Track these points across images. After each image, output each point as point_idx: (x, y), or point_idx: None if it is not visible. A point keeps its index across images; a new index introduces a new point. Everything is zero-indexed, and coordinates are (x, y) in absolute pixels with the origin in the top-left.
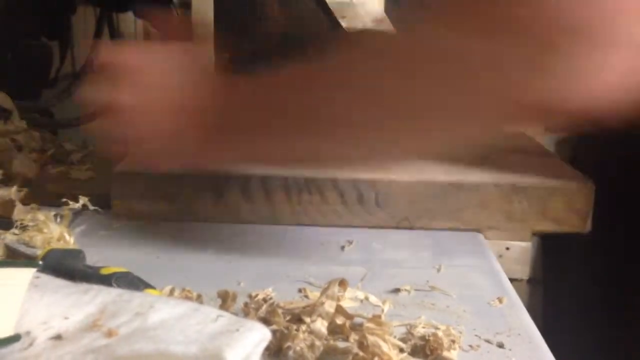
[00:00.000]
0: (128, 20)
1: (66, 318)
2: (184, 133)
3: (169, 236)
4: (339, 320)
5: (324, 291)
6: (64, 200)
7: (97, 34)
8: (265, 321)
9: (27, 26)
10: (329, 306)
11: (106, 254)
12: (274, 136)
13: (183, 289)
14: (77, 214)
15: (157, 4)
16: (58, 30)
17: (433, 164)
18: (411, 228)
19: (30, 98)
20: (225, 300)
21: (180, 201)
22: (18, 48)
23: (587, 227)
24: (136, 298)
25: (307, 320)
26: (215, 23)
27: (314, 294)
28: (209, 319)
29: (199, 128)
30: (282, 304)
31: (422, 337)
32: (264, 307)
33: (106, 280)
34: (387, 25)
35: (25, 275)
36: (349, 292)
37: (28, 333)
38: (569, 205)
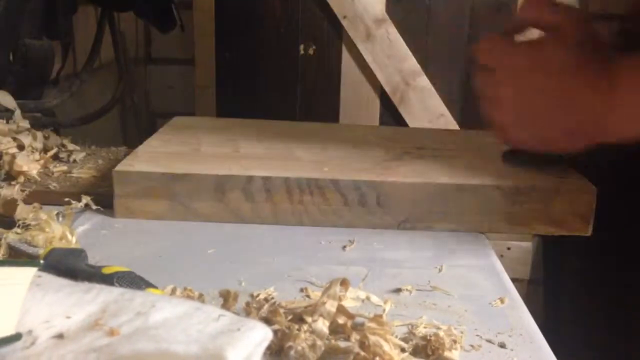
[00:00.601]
0: (129, 19)
1: (68, 317)
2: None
3: (170, 236)
4: (341, 320)
5: (326, 291)
6: (66, 199)
7: (98, 34)
8: (267, 321)
9: (29, 26)
10: (331, 306)
11: (108, 253)
12: None
13: (185, 288)
14: (79, 213)
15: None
16: (59, 30)
17: (435, 165)
18: (412, 229)
19: (32, 97)
20: (226, 299)
21: (182, 200)
22: (20, 48)
23: (589, 230)
24: (138, 297)
25: (309, 319)
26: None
27: (315, 294)
28: (210, 318)
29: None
30: (283, 304)
31: (424, 337)
32: (266, 306)
33: (108, 279)
34: (389, 25)
35: (27, 274)
36: (351, 292)
37: (30, 332)
38: (570, 208)
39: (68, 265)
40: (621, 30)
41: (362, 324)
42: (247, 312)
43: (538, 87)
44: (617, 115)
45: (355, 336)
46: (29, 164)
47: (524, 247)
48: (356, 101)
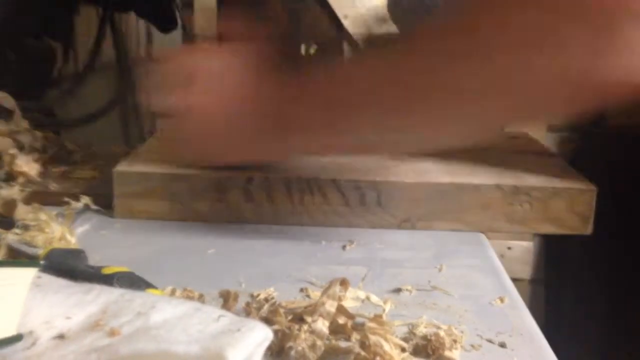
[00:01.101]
0: (130, 20)
1: (68, 318)
2: (242, 130)
3: (170, 236)
4: (341, 320)
5: (326, 291)
6: (66, 200)
7: (100, 34)
8: (267, 321)
9: (30, 26)
10: (331, 306)
11: (108, 254)
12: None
13: (185, 289)
14: (79, 213)
15: (158, 4)
16: (61, 30)
17: (435, 165)
18: (413, 229)
19: (32, 98)
20: (227, 300)
21: (181, 201)
22: (21, 48)
23: (589, 229)
24: (138, 298)
25: (309, 320)
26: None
27: (315, 294)
28: (210, 318)
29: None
30: (283, 304)
31: (424, 337)
32: (266, 306)
33: (108, 280)
34: (390, 25)
35: (27, 275)
36: (351, 292)
37: (30, 333)
38: (571, 207)
39: (68, 266)
40: None
41: (363, 324)
42: (247, 312)
43: (212, 99)
44: (294, 124)
45: (355, 336)
46: (29, 165)
47: (525, 246)
48: None
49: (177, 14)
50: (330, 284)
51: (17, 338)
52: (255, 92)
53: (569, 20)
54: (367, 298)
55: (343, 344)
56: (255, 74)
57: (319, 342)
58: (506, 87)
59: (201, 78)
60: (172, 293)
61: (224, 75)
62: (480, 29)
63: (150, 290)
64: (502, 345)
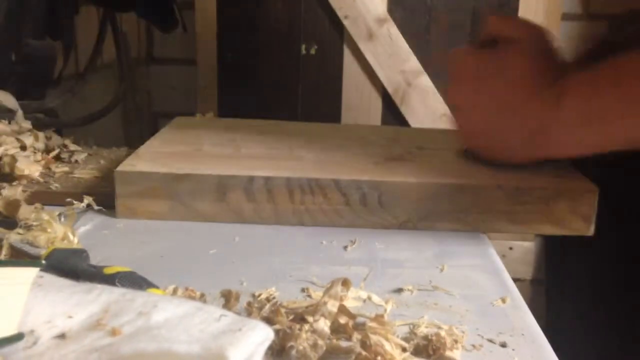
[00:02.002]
0: (131, 20)
1: (70, 317)
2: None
3: (172, 236)
4: (342, 320)
5: (327, 291)
6: (68, 200)
7: (101, 34)
8: (268, 320)
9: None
10: (332, 306)
11: (110, 254)
12: None
13: (186, 288)
14: (81, 213)
15: (159, 4)
16: (62, 30)
17: (436, 165)
18: (414, 229)
19: (34, 98)
20: (228, 299)
21: (183, 201)
22: (22, 48)
23: (591, 230)
24: (139, 297)
25: (310, 319)
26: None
27: (316, 294)
28: (212, 318)
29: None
30: (285, 304)
31: (425, 337)
32: (267, 306)
33: (110, 279)
34: (390, 25)
35: (28, 274)
36: (352, 292)
37: (32, 332)
38: (572, 208)
39: (70, 266)
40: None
41: (364, 324)
42: (249, 312)
43: (494, 94)
44: (560, 127)
45: (356, 336)
46: (30, 167)
47: (526, 247)
48: (358, 101)
49: (177, 14)
50: (332, 284)
51: (18, 337)
52: (527, 93)
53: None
54: (369, 298)
55: (344, 343)
56: (527, 75)
57: (320, 342)
58: None
59: (483, 77)
60: (174, 293)
61: (501, 74)
62: None
63: (152, 290)
64: (503, 345)
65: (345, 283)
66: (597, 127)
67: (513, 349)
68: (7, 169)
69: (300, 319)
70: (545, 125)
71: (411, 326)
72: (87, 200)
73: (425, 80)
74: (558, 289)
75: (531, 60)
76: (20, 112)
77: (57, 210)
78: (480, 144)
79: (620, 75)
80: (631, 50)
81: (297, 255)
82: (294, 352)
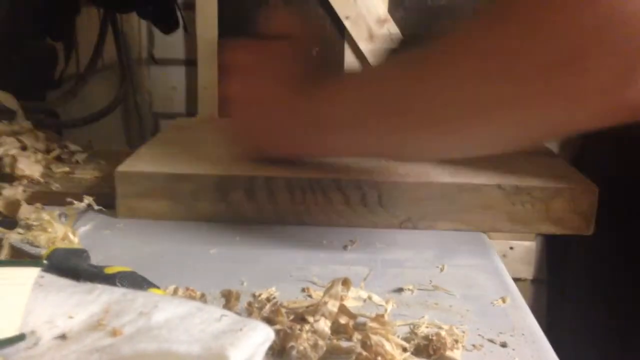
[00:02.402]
0: (132, 20)
1: (70, 317)
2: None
3: (172, 236)
4: (342, 320)
5: (327, 291)
6: (69, 200)
7: (101, 35)
8: (269, 321)
9: (32, 27)
10: (332, 306)
11: (110, 254)
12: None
13: (187, 289)
14: (81, 213)
15: (160, 5)
16: (62, 31)
17: (436, 165)
18: (414, 229)
19: (35, 98)
20: (228, 299)
21: (183, 201)
22: (23, 49)
23: (591, 229)
24: (140, 297)
25: (311, 319)
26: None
27: (317, 294)
28: (212, 318)
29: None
30: (285, 304)
31: (426, 337)
32: (268, 306)
33: (110, 279)
34: (391, 25)
35: (29, 274)
36: (352, 292)
37: (33, 332)
38: (572, 208)
39: (70, 266)
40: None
41: (364, 324)
42: (249, 312)
43: (264, 86)
44: (326, 123)
45: (357, 336)
46: (31, 167)
47: (527, 246)
48: None
49: (179, 14)
50: (332, 284)
51: (19, 338)
52: (297, 89)
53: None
54: (369, 298)
55: (345, 343)
56: (298, 71)
57: (320, 342)
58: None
59: (253, 71)
60: (174, 293)
61: (273, 69)
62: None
63: (153, 290)
64: (504, 345)
65: (346, 283)
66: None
67: (513, 349)
68: (7, 169)
69: (300, 319)
70: (314, 122)
71: (411, 326)
72: (88, 200)
73: None
74: (558, 288)
75: (303, 53)
76: (20, 113)
77: (57, 210)
78: (250, 136)
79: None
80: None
81: (297, 255)
82: (294, 352)
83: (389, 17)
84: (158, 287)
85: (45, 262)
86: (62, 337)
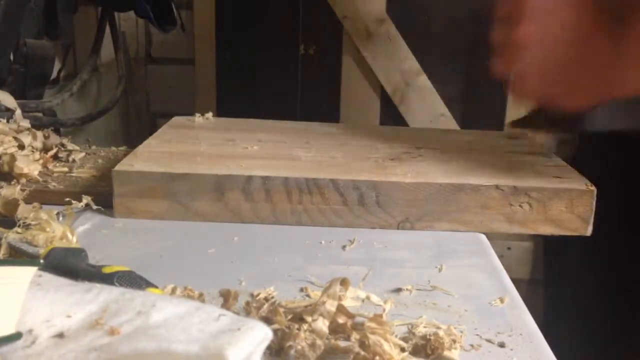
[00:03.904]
0: (130, 19)
1: (68, 316)
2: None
3: (170, 235)
4: (341, 320)
5: (326, 290)
6: (67, 199)
7: (99, 34)
8: (267, 320)
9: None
10: (331, 305)
11: (108, 253)
12: None
13: (185, 288)
14: (79, 213)
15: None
16: (60, 30)
17: (434, 165)
18: (412, 229)
19: (33, 97)
20: (227, 299)
21: (181, 200)
22: (20, 48)
23: (588, 230)
24: (138, 297)
25: (309, 319)
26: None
27: (315, 293)
28: (210, 317)
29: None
30: (283, 303)
31: (424, 337)
32: (266, 306)
33: (108, 279)
34: (389, 25)
35: (27, 273)
36: (351, 292)
37: (30, 331)
38: (570, 208)
39: (68, 265)
40: None
41: (362, 324)
42: (247, 311)
43: (556, 29)
44: (627, 62)
45: (355, 336)
46: (30, 166)
47: (524, 247)
48: (356, 101)
49: (176, 13)
50: (331, 284)
51: (16, 336)
52: (597, 25)
53: None
54: (367, 298)
55: (343, 343)
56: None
57: (318, 342)
58: None
59: (537, 14)
60: (173, 292)
61: (560, 12)
62: None
63: (151, 289)
64: (502, 345)
65: (344, 283)
66: None
67: (511, 349)
68: (6, 168)
69: (298, 318)
70: (614, 58)
71: (410, 326)
72: (86, 199)
73: (424, 80)
74: (556, 288)
75: None
76: (18, 112)
77: (55, 209)
78: (534, 87)
79: None
80: None
81: (295, 255)
82: (292, 351)
83: (387, 16)
84: (156, 287)
85: (43, 261)
86: (60, 336)
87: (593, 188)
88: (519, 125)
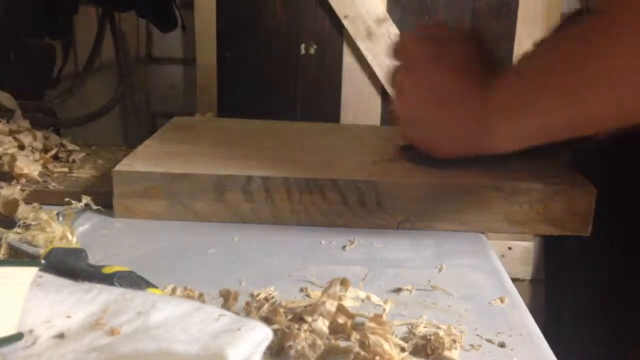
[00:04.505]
0: (130, 19)
1: (69, 317)
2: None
3: (170, 235)
4: (341, 320)
5: (326, 290)
6: (67, 199)
7: (99, 34)
8: (267, 320)
9: (30, 26)
10: (331, 305)
11: (108, 253)
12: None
13: (185, 288)
14: (79, 213)
15: (158, 4)
16: (60, 30)
17: (435, 166)
18: (412, 229)
19: (33, 97)
20: (227, 299)
21: (181, 200)
22: (21, 48)
23: (588, 230)
24: (138, 297)
25: (309, 319)
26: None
27: (315, 294)
28: (211, 318)
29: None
30: (283, 303)
31: (424, 337)
32: (266, 306)
33: (108, 279)
34: (389, 25)
35: (27, 274)
36: (351, 292)
37: (31, 332)
38: (570, 208)
39: (68, 265)
40: None
41: (362, 324)
42: (247, 311)
43: (434, 79)
44: (494, 117)
45: (355, 336)
46: (30, 166)
47: (525, 246)
48: (357, 100)
49: (177, 13)
50: (331, 284)
51: (17, 337)
52: (475, 80)
53: None
54: (367, 298)
55: (343, 343)
56: (474, 62)
57: (318, 342)
58: None
59: (422, 62)
60: (173, 292)
61: (449, 59)
62: None
63: (151, 290)
64: (502, 345)
65: (344, 283)
66: (524, 118)
67: (511, 349)
68: (6, 168)
69: (298, 318)
70: (481, 114)
71: (410, 326)
72: (86, 199)
73: None
74: (557, 288)
75: (472, 47)
76: (18, 112)
77: (55, 209)
78: (417, 135)
79: (550, 62)
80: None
81: (295, 255)
82: (292, 351)
83: (387, 16)
84: (156, 287)
85: (43, 261)
86: (60, 336)
87: (593, 188)
88: None
